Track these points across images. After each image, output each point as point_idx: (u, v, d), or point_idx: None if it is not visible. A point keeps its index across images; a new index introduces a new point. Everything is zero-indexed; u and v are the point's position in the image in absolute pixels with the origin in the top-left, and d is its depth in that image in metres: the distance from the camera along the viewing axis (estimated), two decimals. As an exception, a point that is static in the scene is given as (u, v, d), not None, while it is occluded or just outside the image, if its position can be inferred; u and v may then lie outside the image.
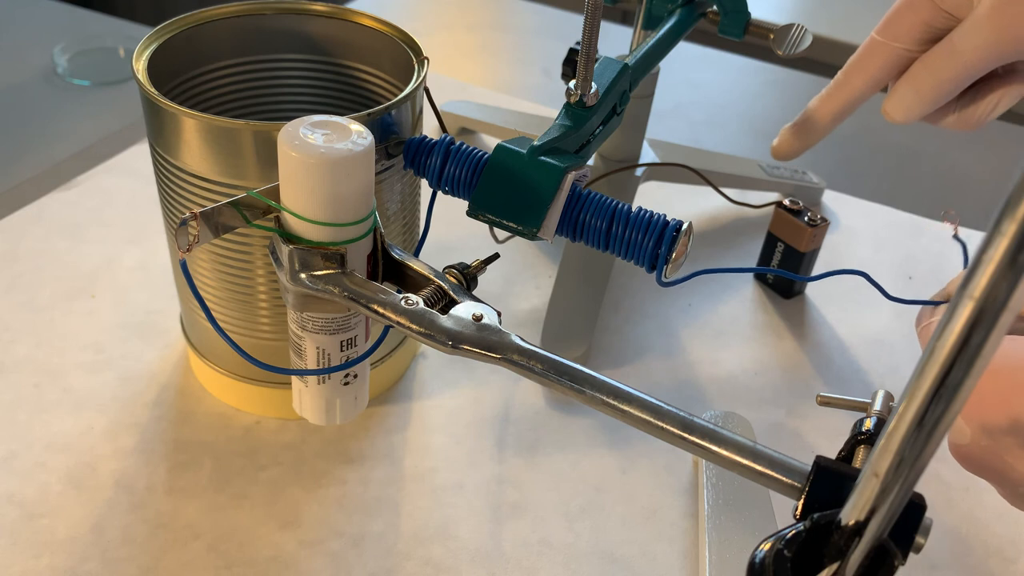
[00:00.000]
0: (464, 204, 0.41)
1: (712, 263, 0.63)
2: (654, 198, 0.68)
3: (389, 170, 0.43)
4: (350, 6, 0.65)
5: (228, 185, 0.40)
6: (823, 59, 1.25)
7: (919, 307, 0.45)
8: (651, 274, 0.38)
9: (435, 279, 0.36)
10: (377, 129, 0.40)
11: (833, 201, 0.71)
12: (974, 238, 0.67)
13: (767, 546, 0.28)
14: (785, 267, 0.60)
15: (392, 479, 0.46)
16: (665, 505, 0.46)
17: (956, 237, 0.49)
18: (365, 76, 0.49)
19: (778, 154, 0.54)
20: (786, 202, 0.58)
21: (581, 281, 0.56)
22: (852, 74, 0.49)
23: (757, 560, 0.28)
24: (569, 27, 0.97)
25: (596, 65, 0.45)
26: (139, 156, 0.68)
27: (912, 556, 0.27)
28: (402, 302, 0.34)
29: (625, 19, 1.34)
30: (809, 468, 0.29)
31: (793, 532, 0.27)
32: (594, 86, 0.42)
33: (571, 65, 0.55)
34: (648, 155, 0.63)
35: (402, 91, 0.42)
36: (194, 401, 0.49)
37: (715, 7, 0.57)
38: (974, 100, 0.47)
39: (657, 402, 0.31)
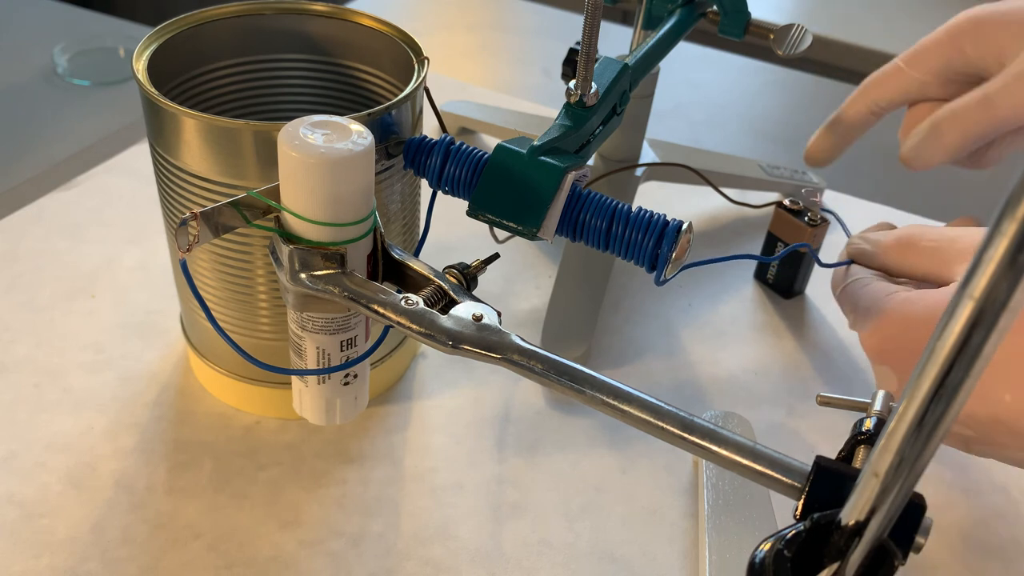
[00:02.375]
0: (464, 204, 0.41)
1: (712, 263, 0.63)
2: (654, 198, 0.68)
3: (389, 170, 0.43)
4: (350, 6, 0.65)
5: (228, 185, 0.40)
6: (823, 59, 1.25)
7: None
8: (651, 274, 0.38)
9: (435, 279, 0.36)
10: (377, 129, 0.40)
11: (833, 201, 0.71)
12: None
13: (767, 546, 0.28)
14: (785, 267, 0.60)
15: (392, 479, 0.46)
16: (665, 505, 0.46)
17: (824, 210, 0.55)
18: (365, 76, 0.49)
19: (811, 157, 0.56)
20: (786, 202, 0.58)
21: (581, 281, 0.56)
22: (872, 87, 0.53)
23: (757, 560, 0.28)
24: (569, 27, 0.97)
25: (596, 65, 0.45)
26: (139, 156, 0.68)
27: (912, 556, 0.27)
28: (402, 302, 0.34)
29: (625, 19, 1.34)
30: (809, 468, 0.29)
31: (793, 532, 0.27)
32: (594, 86, 0.42)
33: (571, 65, 0.55)
34: (648, 155, 0.63)
35: (402, 91, 0.42)
36: (194, 401, 0.49)
37: (715, 7, 0.57)
38: (990, 145, 0.49)
39: (657, 402, 0.31)
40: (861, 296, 0.44)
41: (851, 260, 0.48)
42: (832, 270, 0.50)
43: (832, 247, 0.65)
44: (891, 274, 0.46)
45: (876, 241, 0.47)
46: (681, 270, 0.39)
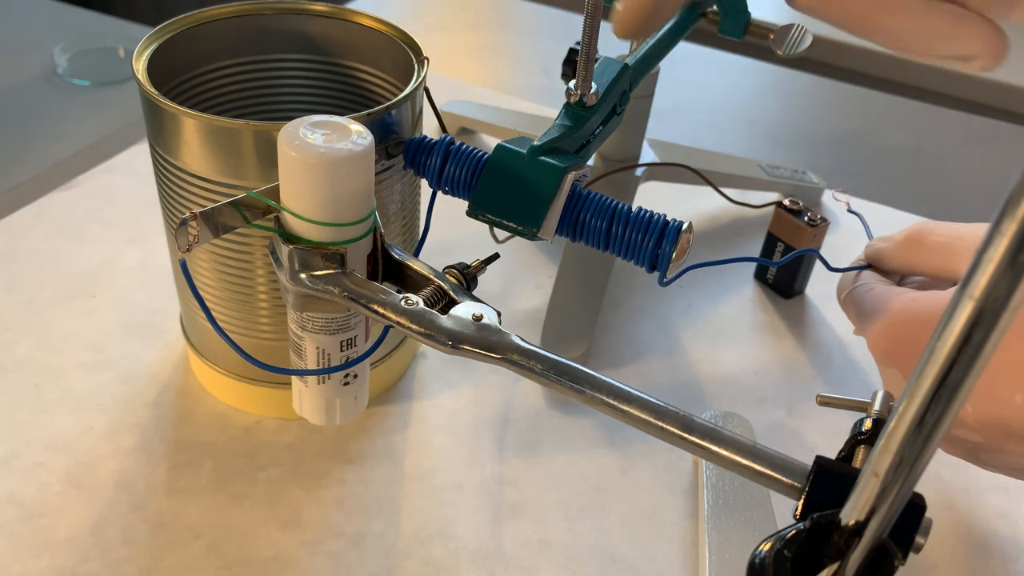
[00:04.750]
0: (464, 204, 0.41)
1: (712, 263, 0.63)
2: (654, 198, 0.68)
3: (389, 170, 0.43)
4: (350, 6, 0.65)
5: (228, 185, 0.40)
6: (823, 59, 1.25)
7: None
8: (651, 274, 0.38)
9: (435, 279, 0.36)
10: (377, 129, 0.40)
11: (833, 201, 0.71)
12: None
13: (767, 546, 0.28)
14: (785, 267, 0.60)
15: (392, 479, 0.46)
16: (665, 505, 0.46)
17: (851, 211, 0.52)
18: (365, 76, 0.49)
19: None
20: (786, 202, 0.58)
21: (581, 281, 0.56)
22: None
23: (757, 560, 0.28)
24: (569, 27, 0.97)
25: (596, 65, 0.45)
26: (139, 156, 0.68)
27: (912, 556, 0.27)
28: (402, 302, 0.34)
29: (625, 19, 1.33)
30: (809, 468, 0.29)
31: (793, 532, 0.27)
32: (594, 86, 0.42)
33: (571, 65, 0.55)
34: (648, 155, 0.63)
35: (402, 91, 0.42)
36: (194, 401, 0.49)
37: (715, 7, 0.57)
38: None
39: (657, 402, 0.31)
40: (866, 299, 0.44)
41: (867, 264, 0.48)
42: (840, 275, 0.49)
43: (832, 248, 0.65)
44: (903, 272, 0.46)
45: (888, 239, 0.47)
46: (686, 271, 0.39)
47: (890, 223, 0.69)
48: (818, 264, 0.61)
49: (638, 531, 0.45)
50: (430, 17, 0.97)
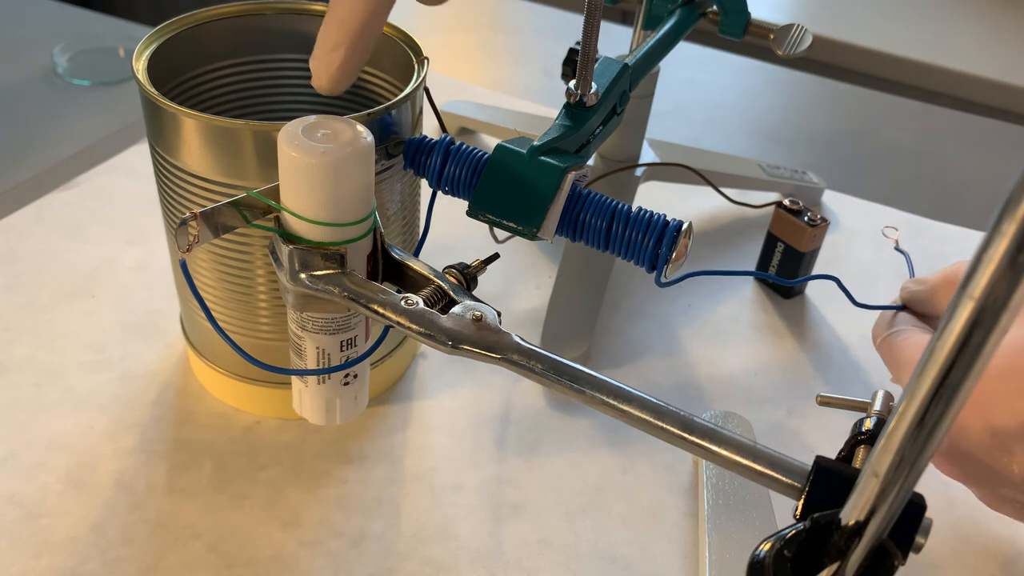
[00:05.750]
0: (464, 204, 0.41)
1: (712, 263, 0.63)
2: (654, 198, 0.68)
3: (389, 170, 0.43)
4: (350, 6, 0.65)
5: (228, 185, 0.40)
6: (823, 59, 1.25)
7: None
8: (651, 274, 0.38)
9: (435, 279, 0.36)
10: (377, 129, 0.40)
11: (833, 201, 0.71)
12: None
13: (767, 546, 0.28)
14: (785, 267, 0.60)
15: (392, 479, 0.46)
16: (665, 505, 0.46)
17: (898, 249, 0.51)
18: (365, 76, 0.49)
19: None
20: (786, 202, 0.58)
21: (581, 281, 0.56)
22: None
23: (757, 560, 0.28)
24: (569, 27, 0.97)
25: (596, 65, 0.45)
26: (139, 156, 0.68)
27: (912, 556, 0.27)
28: (402, 302, 0.34)
29: (625, 19, 1.34)
30: (809, 468, 0.29)
31: (793, 532, 0.27)
32: (594, 86, 0.42)
33: (571, 65, 0.55)
34: (648, 155, 0.63)
35: (402, 91, 0.42)
36: (194, 401, 0.49)
37: (715, 7, 0.57)
38: None
39: (657, 402, 0.31)
40: (903, 348, 0.43)
41: (903, 305, 0.46)
42: (877, 315, 0.47)
43: (832, 248, 0.65)
44: (941, 316, 0.45)
45: (923, 281, 0.45)
46: (688, 276, 0.39)
47: (890, 223, 0.69)
48: (818, 264, 0.61)
49: (638, 531, 0.45)
50: (430, 17, 0.97)
